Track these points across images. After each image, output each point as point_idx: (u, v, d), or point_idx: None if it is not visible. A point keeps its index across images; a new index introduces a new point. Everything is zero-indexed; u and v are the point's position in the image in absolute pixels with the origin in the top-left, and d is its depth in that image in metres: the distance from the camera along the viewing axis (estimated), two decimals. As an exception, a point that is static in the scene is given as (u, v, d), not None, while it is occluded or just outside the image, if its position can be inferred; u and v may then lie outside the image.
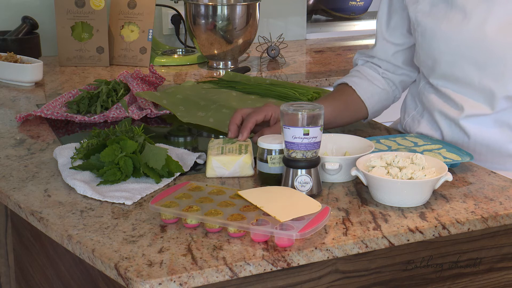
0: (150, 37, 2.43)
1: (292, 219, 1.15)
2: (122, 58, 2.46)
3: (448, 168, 1.33)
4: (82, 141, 1.46)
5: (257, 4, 2.43)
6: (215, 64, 2.47)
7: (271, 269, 1.10)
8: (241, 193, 1.24)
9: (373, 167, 1.33)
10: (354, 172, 1.32)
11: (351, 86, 1.72)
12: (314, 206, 1.20)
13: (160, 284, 1.03)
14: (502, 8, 1.49)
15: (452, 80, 1.58)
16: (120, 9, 2.45)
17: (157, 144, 1.45)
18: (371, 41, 3.01)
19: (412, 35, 1.72)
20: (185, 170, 1.42)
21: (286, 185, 1.31)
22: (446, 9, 1.56)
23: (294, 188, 1.30)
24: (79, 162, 1.41)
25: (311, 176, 1.30)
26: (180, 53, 2.58)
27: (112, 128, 1.46)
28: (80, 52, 2.42)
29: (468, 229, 1.24)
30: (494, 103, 1.54)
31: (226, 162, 1.39)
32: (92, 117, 1.74)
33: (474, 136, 1.58)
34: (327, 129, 1.72)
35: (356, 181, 1.38)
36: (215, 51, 2.43)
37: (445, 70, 1.58)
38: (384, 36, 1.75)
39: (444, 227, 1.22)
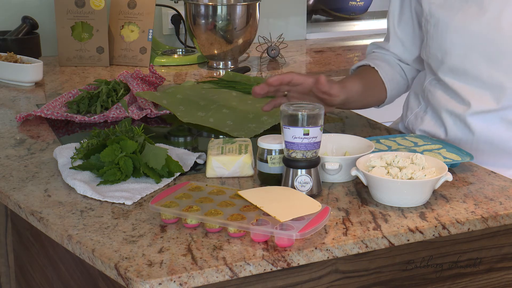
0: (150, 37, 2.43)
1: (292, 219, 1.15)
2: (122, 58, 2.46)
3: (448, 168, 1.33)
4: (82, 141, 1.46)
5: (257, 4, 2.43)
6: (215, 64, 2.47)
7: (271, 269, 1.10)
8: (241, 193, 1.24)
9: (373, 167, 1.33)
10: (354, 172, 1.32)
11: (373, 67, 1.75)
12: (314, 206, 1.20)
13: (160, 284, 1.03)
14: None
15: (461, 73, 1.58)
16: (120, 9, 2.45)
17: (157, 144, 1.45)
18: (371, 41, 3.01)
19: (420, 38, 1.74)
20: (185, 170, 1.42)
21: (286, 185, 1.31)
22: (461, 2, 1.57)
23: (294, 188, 1.30)
24: (79, 162, 1.41)
25: (311, 176, 1.30)
26: (180, 53, 2.58)
27: (112, 128, 1.46)
28: (80, 52, 2.42)
29: (468, 229, 1.24)
30: (501, 98, 1.54)
31: (226, 162, 1.39)
32: (92, 117, 1.74)
33: (479, 133, 1.58)
34: (349, 108, 1.78)
35: (356, 181, 1.38)
36: (215, 51, 2.43)
37: (455, 62, 1.59)
38: (396, 33, 1.79)
39: (444, 227, 1.22)
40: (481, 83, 1.56)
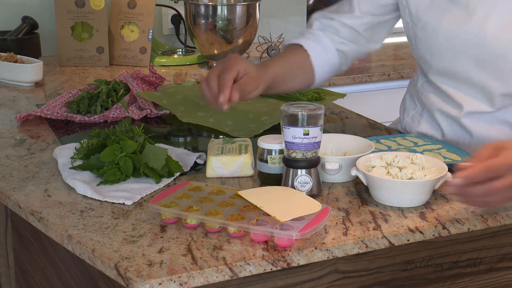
0: (150, 37, 2.43)
1: (292, 219, 1.15)
2: (122, 58, 2.46)
3: (448, 168, 1.33)
4: (82, 141, 1.46)
5: (257, 4, 2.43)
6: (215, 64, 2.46)
7: (271, 269, 1.10)
8: (241, 193, 1.24)
9: (373, 167, 1.33)
10: (354, 172, 1.32)
11: (306, 51, 1.67)
12: (314, 206, 1.20)
13: (160, 284, 1.03)
14: (505, 6, 1.49)
15: (450, 76, 1.57)
16: (120, 9, 2.45)
17: (157, 144, 1.45)
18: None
19: (387, 10, 1.67)
20: (185, 170, 1.42)
21: (286, 185, 1.31)
22: (448, 4, 1.55)
23: (294, 188, 1.30)
24: (79, 162, 1.41)
25: (311, 176, 1.30)
26: (180, 53, 2.58)
27: (112, 128, 1.46)
28: (80, 52, 2.42)
29: (468, 229, 1.24)
30: (493, 101, 1.53)
31: (226, 162, 1.39)
32: (92, 117, 1.74)
33: (476, 134, 1.57)
34: (275, 93, 1.69)
35: (356, 181, 1.38)
36: (215, 51, 2.43)
37: (443, 65, 1.57)
38: (359, 3, 1.68)
39: (444, 227, 1.22)
40: (472, 85, 1.55)
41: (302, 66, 1.67)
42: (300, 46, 1.68)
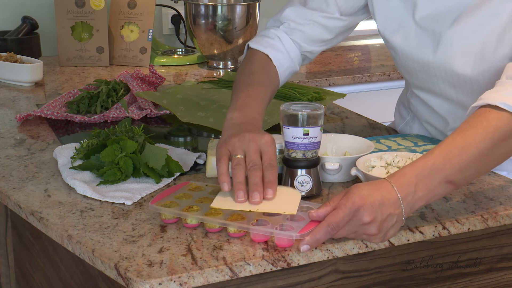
0: (150, 37, 2.44)
1: (292, 220, 1.15)
2: (122, 58, 2.46)
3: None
4: (82, 141, 1.46)
5: (257, 4, 2.44)
6: (215, 64, 2.47)
7: (271, 269, 1.10)
8: (215, 206, 1.20)
9: (373, 167, 1.33)
10: (354, 172, 1.32)
11: (275, 67, 1.56)
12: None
13: (160, 284, 1.03)
14: (469, 32, 1.42)
15: (431, 92, 1.55)
16: (120, 9, 2.46)
17: (157, 144, 1.45)
18: (372, 41, 3.01)
19: (364, 11, 1.61)
20: (185, 170, 1.42)
21: (286, 185, 1.31)
22: (415, 30, 1.50)
23: (294, 188, 1.29)
24: (79, 162, 1.41)
25: (311, 176, 1.30)
26: (180, 53, 2.58)
27: (112, 128, 1.46)
28: (80, 52, 2.42)
29: (468, 229, 1.24)
30: None
31: (226, 162, 1.38)
32: (92, 117, 1.74)
33: None
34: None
35: (356, 181, 1.38)
36: (215, 51, 2.43)
37: (422, 84, 1.55)
38: (338, 3, 1.59)
39: (444, 227, 1.22)
40: (452, 101, 1.51)
41: (274, 86, 1.56)
42: (269, 58, 1.56)
